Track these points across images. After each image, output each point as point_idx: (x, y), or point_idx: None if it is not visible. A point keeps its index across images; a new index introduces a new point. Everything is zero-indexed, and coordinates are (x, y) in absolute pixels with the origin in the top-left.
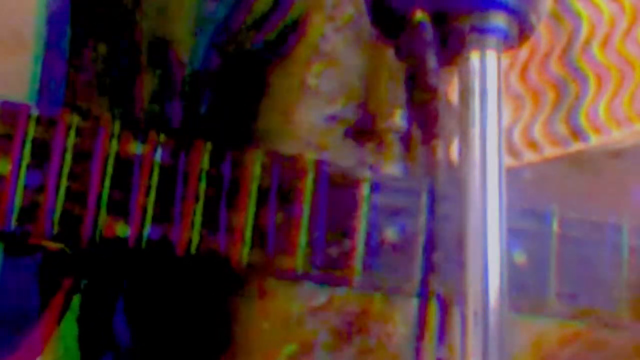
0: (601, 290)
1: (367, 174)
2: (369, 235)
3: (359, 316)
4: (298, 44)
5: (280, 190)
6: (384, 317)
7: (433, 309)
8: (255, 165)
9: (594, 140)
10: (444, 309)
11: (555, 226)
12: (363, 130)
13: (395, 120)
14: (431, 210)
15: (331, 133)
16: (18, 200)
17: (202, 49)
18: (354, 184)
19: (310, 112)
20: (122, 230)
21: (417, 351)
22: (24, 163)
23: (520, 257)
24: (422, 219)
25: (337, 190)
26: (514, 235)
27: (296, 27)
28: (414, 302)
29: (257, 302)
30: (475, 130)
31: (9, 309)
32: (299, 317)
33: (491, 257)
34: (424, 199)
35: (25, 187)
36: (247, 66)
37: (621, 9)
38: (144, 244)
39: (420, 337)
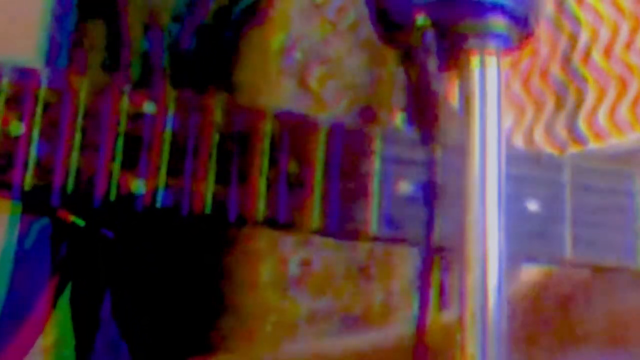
0: (616, 239)
1: (378, 129)
2: (382, 188)
3: (360, 318)
4: (269, 14)
5: (292, 146)
6: (384, 318)
7: (436, 263)
8: (266, 123)
9: (594, 145)
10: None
11: (568, 174)
12: None
13: (396, 123)
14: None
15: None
16: (32, 161)
17: (182, 8)
18: (366, 137)
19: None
20: (136, 186)
21: (422, 301)
22: (36, 124)
23: (534, 206)
24: (435, 171)
25: (350, 144)
26: (526, 183)
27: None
28: (414, 303)
29: (257, 303)
30: (476, 133)
31: (25, 272)
32: (300, 319)
33: (491, 258)
34: (438, 153)
35: (39, 148)
36: (223, 30)
37: (622, 16)
38: (158, 203)
39: (424, 287)
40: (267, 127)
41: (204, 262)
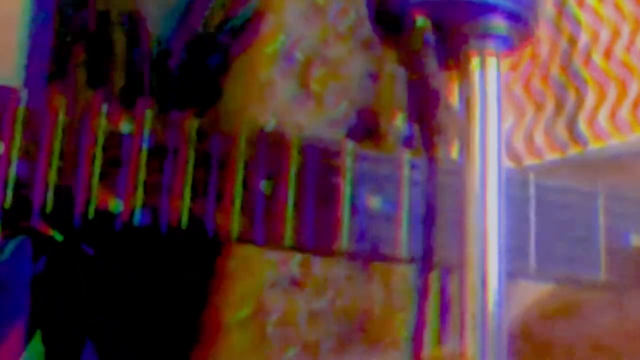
0: (580, 253)
1: (349, 145)
2: (353, 205)
3: (361, 319)
4: (258, 37)
5: (266, 164)
6: (385, 319)
7: (434, 280)
8: (241, 141)
9: (594, 146)
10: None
11: (532, 190)
12: (365, 134)
13: (397, 123)
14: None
15: (333, 137)
16: (11, 180)
17: (170, 26)
18: (338, 154)
19: (312, 116)
20: (114, 205)
21: (419, 320)
22: (16, 143)
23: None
24: (405, 188)
25: (321, 161)
26: None
27: (257, 17)
28: (414, 304)
29: (257, 302)
30: (476, 134)
31: (8, 277)
32: (300, 319)
33: (491, 259)
34: (406, 169)
35: (18, 167)
36: (210, 52)
37: (622, 17)
38: (136, 221)
39: (422, 304)
40: (241, 147)
41: (196, 268)
